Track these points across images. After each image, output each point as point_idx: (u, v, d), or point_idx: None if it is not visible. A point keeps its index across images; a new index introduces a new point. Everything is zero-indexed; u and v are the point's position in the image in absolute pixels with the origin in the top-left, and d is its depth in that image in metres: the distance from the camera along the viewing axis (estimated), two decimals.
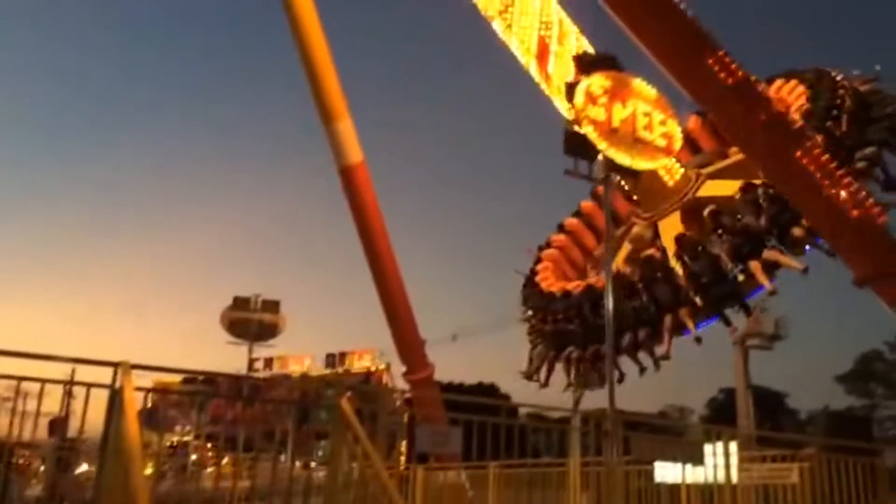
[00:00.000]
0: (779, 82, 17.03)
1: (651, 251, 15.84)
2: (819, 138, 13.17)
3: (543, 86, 16.64)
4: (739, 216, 14.57)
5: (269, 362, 41.85)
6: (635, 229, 17.14)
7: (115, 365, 7.00)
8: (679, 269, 14.78)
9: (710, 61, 11.49)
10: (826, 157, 11.82)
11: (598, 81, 13.58)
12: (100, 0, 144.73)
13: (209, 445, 29.35)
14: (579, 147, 12.76)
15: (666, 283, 14.91)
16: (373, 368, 43.63)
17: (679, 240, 15.00)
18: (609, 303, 12.42)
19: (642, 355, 15.73)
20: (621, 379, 15.58)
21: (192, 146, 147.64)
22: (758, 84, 16.74)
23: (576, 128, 12.99)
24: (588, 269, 19.92)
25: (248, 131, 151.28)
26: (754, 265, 14.12)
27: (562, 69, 16.52)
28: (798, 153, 11.66)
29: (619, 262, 16.33)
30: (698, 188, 16.62)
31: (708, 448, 10.22)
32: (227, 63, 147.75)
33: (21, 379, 6.87)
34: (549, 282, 18.85)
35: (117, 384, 6.90)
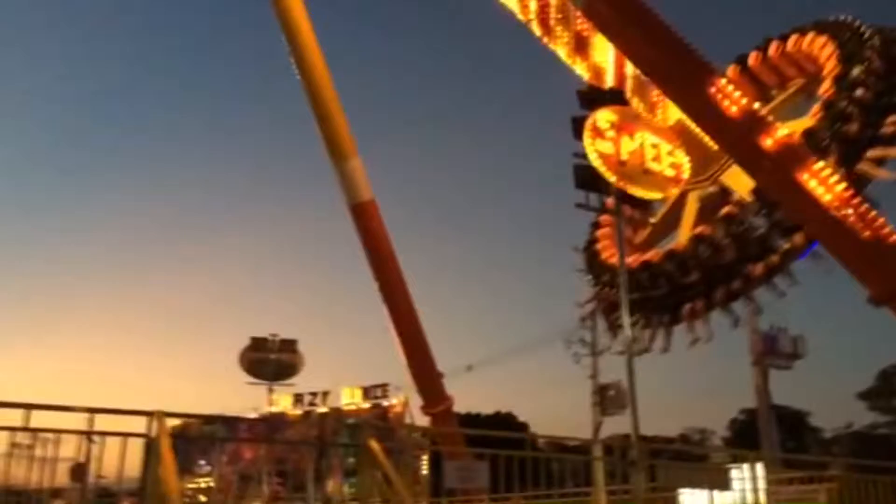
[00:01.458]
0: (810, 35, 17.14)
1: (729, 208, 15.99)
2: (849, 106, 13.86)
3: (586, 74, 17.07)
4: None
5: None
6: (693, 194, 17.34)
7: (150, 414, 7.18)
8: (760, 221, 15.08)
9: (712, 90, 11.74)
10: (835, 178, 11.98)
11: (604, 116, 13.84)
12: (114, 29, 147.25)
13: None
14: (589, 180, 13.02)
15: (750, 235, 15.31)
16: (392, 403, 43.63)
17: (757, 192, 15.11)
18: (626, 316, 12.74)
19: (738, 305, 16.12)
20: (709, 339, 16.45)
21: (195, 185, 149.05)
22: (789, 36, 17.12)
23: (585, 161, 13.22)
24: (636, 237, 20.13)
25: (258, 168, 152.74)
26: (757, 268, 14.62)
27: (603, 56, 17.08)
28: (805, 175, 11.85)
29: (684, 236, 16.83)
30: None
31: (735, 472, 10.23)
32: (246, 101, 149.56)
33: (58, 432, 7.06)
34: (609, 252, 19.13)
35: (153, 433, 7.07)
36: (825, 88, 15.51)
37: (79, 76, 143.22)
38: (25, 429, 6.94)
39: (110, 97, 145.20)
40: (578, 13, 16.65)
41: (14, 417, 7.19)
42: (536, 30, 17.45)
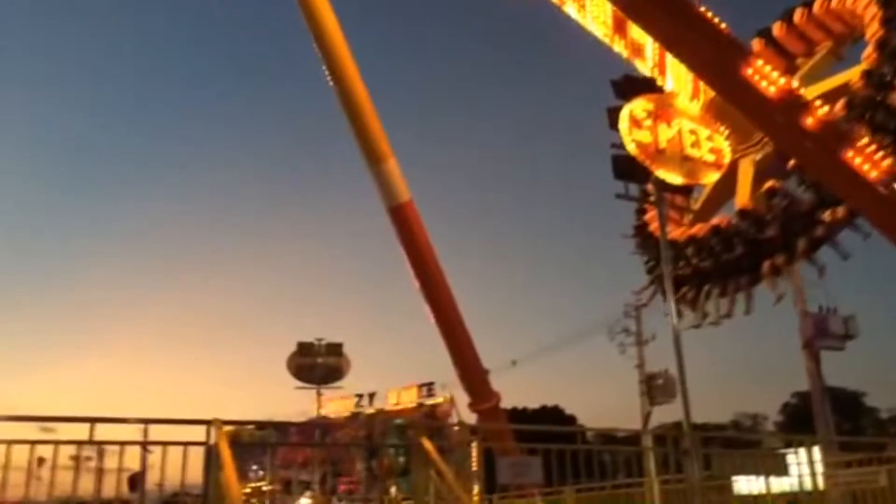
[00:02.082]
0: None
1: (771, 182, 15.88)
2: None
3: (626, 53, 16.91)
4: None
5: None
6: (746, 160, 17.19)
7: (208, 423, 7.38)
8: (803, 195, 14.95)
9: (748, 71, 11.57)
10: (880, 153, 11.74)
11: (640, 105, 13.73)
12: (155, 40, 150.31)
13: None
14: (628, 170, 12.96)
15: (793, 209, 15.14)
16: (435, 401, 43.85)
17: (799, 167, 14.96)
18: (671, 300, 12.71)
19: (783, 280, 16.02)
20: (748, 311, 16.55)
21: (240, 191, 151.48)
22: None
23: (623, 151, 13.15)
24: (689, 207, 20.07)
25: (300, 173, 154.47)
26: (801, 243, 14.62)
27: (641, 34, 16.85)
28: (849, 153, 11.62)
29: (743, 199, 16.73)
30: None
31: (791, 457, 10.12)
32: (287, 107, 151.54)
33: (120, 444, 7.30)
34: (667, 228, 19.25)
35: (212, 440, 7.28)
36: (867, 54, 15.12)
37: (120, 86, 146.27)
38: (90, 442, 7.20)
39: (158, 107, 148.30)
40: None
41: (73, 430, 7.47)
42: (573, 12, 17.19)
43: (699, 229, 17.26)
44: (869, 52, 14.98)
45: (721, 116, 15.39)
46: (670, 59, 16.27)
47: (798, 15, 17.79)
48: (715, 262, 16.52)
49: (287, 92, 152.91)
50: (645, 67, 16.77)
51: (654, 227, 18.70)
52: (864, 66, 14.97)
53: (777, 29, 18.07)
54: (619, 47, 16.96)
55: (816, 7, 17.41)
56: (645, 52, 16.84)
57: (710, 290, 16.90)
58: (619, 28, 16.79)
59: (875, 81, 14.35)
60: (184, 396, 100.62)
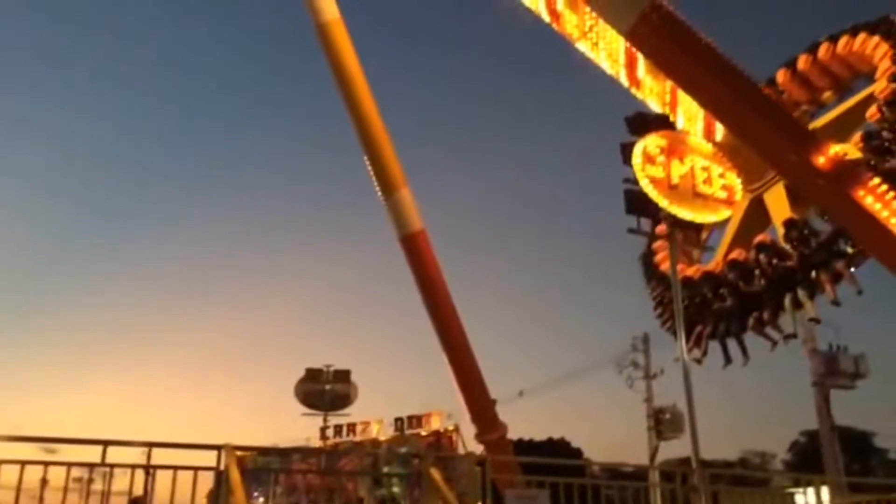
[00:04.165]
0: (862, 36, 16.62)
1: (762, 236, 15.75)
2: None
3: (635, 91, 16.95)
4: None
5: (338, 430, 42.64)
6: (773, 192, 16.92)
7: (219, 448, 7.45)
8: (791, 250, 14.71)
9: (764, 111, 11.71)
10: (892, 193, 11.79)
11: (653, 141, 13.87)
12: (164, 66, 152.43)
13: None
14: (640, 205, 13.09)
15: (780, 265, 14.83)
16: (441, 430, 43.56)
17: (787, 224, 14.83)
18: (681, 336, 12.62)
19: (770, 331, 15.53)
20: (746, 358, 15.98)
21: (250, 220, 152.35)
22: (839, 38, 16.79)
23: (636, 187, 13.26)
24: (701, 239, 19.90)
25: (309, 199, 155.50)
26: (824, 275, 14.10)
27: (653, 71, 16.95)
28: (861, 192, 11.69)
29: (726, 244, 16.54)
30: None
31: (799, 497, 10.06)
32: (297, 137, 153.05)
33: (133, 467, 7.36)
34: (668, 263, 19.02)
35: (222, 466, 7.34)
36: (881, 88, 15.15)
37: (145, 101, 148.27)
38: (102, 464, 7.26)
39: (184, 133, 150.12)
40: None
41: (78, 453, 7.53)
42: (585, 47, 17.33)
43: (715, 265, 17.21)
44: (883, 87, 14.93)
45: (733, 155, 15.43)
46: (682, 97, 16.39)
47: (822, 49, 17.49)
48: (735, 298, 16.00)
49: (298, 120, 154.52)
50: (656, 104, 16.87)
51: (659, 258, 18.75)
52: (879, 93, 14.94)
53: (802, 62, 17.87)
54: (627, 84, 17.12)
55: (840, 45, 17.19)
56: (656, 91, 16.96)
57: (727, 327, 16.54)
58: (631, 66, 16.96)
59: (891, 114, 14.30)
60: (191, 422, 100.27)
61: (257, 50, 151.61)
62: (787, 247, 14.69)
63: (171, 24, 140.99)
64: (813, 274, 14.37)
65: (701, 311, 16.01)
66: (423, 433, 42.91)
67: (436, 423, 43.03)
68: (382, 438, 42.58)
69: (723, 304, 15.49)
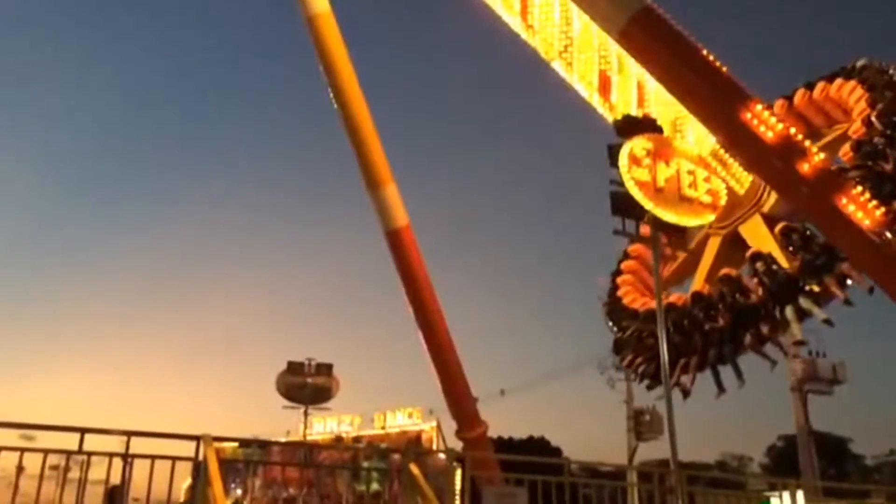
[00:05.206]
0: (838, 82, 16.87)
1: (727, 270, 15.73)
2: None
3: (608, 115, 17.00)
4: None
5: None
6: (714, 239, 16.98)
7: (198, 438, 7.41)
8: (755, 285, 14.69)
9: (749, 116, 11.79)
10: (872, 202, 11.92)
11: (640, 143, 13.95)
12: (152, 61, 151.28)
13: None
14: (626, 207, 13.16)
15: (744, 300, 14.79)
16: (420, 427, 43.61)
17: (753, 258, 14.85)
18: (663, 346, 12.65)
19: (725, 369, 15.52)
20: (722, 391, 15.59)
21: (234, 213, 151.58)
22: (815, 84, 16.95)
23: (621, 188, 13.33)
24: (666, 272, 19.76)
25: (293, 193, 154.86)
26: (829, 279, 14.02)
27: (625, 96, 17.02)
28: (843, 200, 11.81)
29: (699, 281, 16.26)
30: (767, 195, 16.30)
31: (775, 500, 10.16)
32: (283, 128, 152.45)
33: (112, 455, 7.30)
34: (631, 297, 18.88)
35: (200, 456, 7.30)
36: (854, 129, 15.43)
37: (133, 94, 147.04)
38: (79, 452, 7.19)
39: (157, 127, 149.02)
40: (601, 52, 16.85)
41: (57, 440, 7.46)
42: (561, 70, 17.44)
43: (678, 298, 16.92)
44: (857, 128, 15.19)
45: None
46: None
47: (818, 88, 17.37)
48: (698, 331, 15.73)
49: (282, 114, 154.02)
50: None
51: (624, 295, 18.80)
52: (852, 133, 15.18)
53: (798, 97, 17.64)
54: (602, 109, 17.16)
55: (833, 88, 17.03)
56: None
57: (719, 352, 16.22)
58: (604, 90, 17.00)
59: (864, 153, 14.48)
60: (170, 412, 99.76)
61: (245, 42, 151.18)
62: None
63: (163, 15, 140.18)
64: (806, 289, 14.15)
65: (688, 339, 15.62)
66: (404, 429, 42.96)
67: (416, 420, 43.10)
68: (362, 433, 42.61)
69: (715, 323, 15.20)
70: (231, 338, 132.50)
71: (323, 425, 42.69)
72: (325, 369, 41.30)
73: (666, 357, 12.67)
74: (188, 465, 7.40)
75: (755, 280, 14.66)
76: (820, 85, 17.10)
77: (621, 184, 13.42)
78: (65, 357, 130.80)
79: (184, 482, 8.33)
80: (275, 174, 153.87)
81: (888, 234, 11.71)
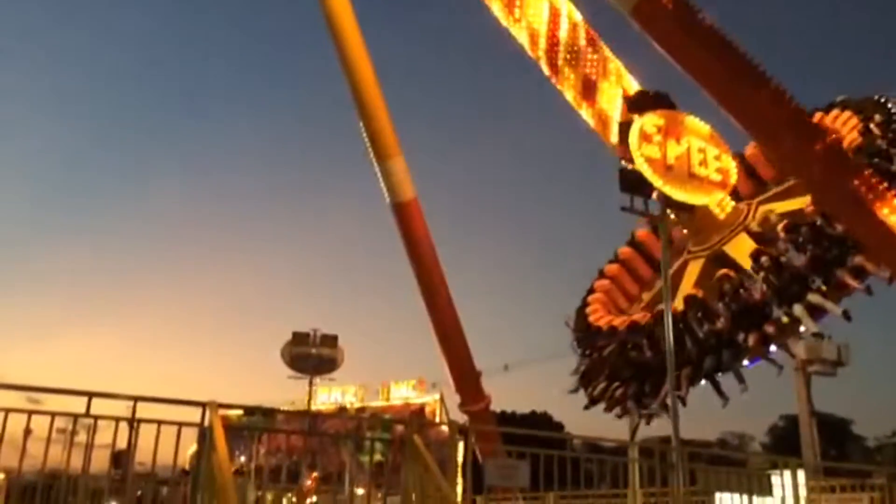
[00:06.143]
0: (835, 112, 16.93)
1: (726, 270, 15.62)
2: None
3: (592, 123, 16.89)
4: (783, 257, 14.30)
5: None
6: (694, 262, 17.01)
7: (204, 405, 7.45)
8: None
9: (763, 94, 11.64)
10: (884, 184, 11.82)
11: (651, 120, 13.80)
12: (152, 35, 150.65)
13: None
14: (635, 184, 13.04)
15: (747, 297, 14.70)
16: (423, 399, 43.83)
17: (757, 254, 14.78)
18: (669, 336, 12.56)
19: (721, 378, 15.42)
20: (684, 403, 15.32)
21: (241, 182, 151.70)
22: (813, 115, 16.78)
23: (631, 165, 13.22)
24: (642, 298, 19.77)
25: (297, 164, 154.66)
26: (799, 309, 13.89)
27: (612, 101, 16.80)
28: (856, 182, 11.70)
29: (678, 302, 15.86)
30: (752, 217, 16.47)
31: (776, 479, 10.19)
32: (292, 99, 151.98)
33: (118, 420, 7.35)
34: (598, 315, 18.83)
35: (206, 422, 7.34)
36: (851, 139, 15.41)
37: (143, 72, 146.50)
38: (86, 415, 7.24)
39: (169, 90, 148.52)
40: (587, 55, 16.68)
41: (63, 404, 7.50)
42: (545, 69, 17.22)
43: (642, 317, 16.91)
44: (854, 138, 15.18)
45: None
46: None
47: (816, 118, 16.96)
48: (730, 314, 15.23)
49: (290, 85, 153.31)
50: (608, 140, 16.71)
51: (591, 313, 18.72)
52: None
53: None
54: (586, 115, 16.94)
55: (829, 118, 17.10)
56: (610, 125, 16.67)
57: (717, 361, 15.54)
58: (588, 95, 16.80)
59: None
60: (176, 379, 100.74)
61: (246, 12, 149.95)
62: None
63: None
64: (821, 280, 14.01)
65: (680, 349, 15.05)
66: (407, 401, 43.18)
67: (420, 392, 43.33)
68: (366, 404, 42.88)
69: (713, 326, 15.03)
70: (237, 307, 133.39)
71: (328, 395, 42.92)
72: (331, 340, 41.47)
73: (672, 342, 12.64)
74: (194, 431, 7.44)
75: (756, 282, 14.56)
76: (818, 115, 17.04)
77: (631, 161, 13.31)
78: (71, 321, 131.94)
79: (189, 448, 8.38)
80: (285, 144, 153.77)
81: None
